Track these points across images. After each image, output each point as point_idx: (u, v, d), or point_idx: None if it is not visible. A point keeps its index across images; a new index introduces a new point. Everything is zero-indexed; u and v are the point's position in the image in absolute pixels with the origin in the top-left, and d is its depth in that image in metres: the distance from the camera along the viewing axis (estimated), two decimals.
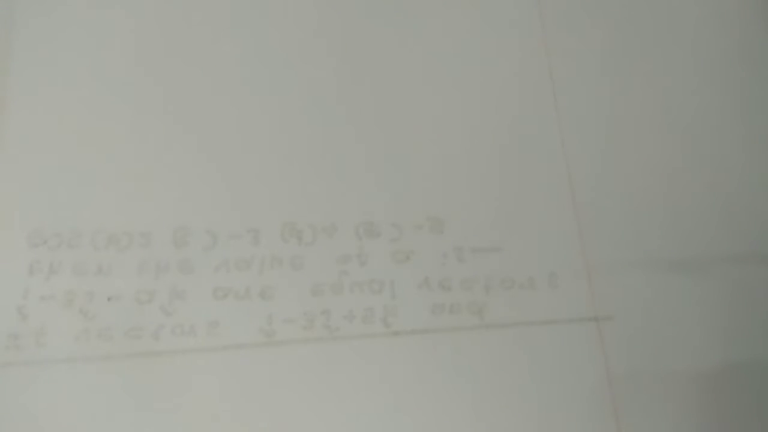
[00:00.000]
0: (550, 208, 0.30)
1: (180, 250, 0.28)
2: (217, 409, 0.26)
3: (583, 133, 0.31)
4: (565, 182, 0.30)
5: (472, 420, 0.27)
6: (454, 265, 0.29)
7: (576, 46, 0.33)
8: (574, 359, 0.28)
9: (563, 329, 0.28)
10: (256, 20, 0.32)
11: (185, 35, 0.31)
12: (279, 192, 0.29)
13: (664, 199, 0.31)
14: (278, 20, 0.32)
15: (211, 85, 0.31)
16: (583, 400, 0.28)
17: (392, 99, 0.31)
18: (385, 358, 0.27)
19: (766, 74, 0.33)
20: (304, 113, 0.31)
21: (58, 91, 0.30)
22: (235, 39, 0.31)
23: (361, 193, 0.30)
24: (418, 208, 0.30)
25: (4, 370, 0.26)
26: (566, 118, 0.31)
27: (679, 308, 0.29)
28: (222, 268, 0.28)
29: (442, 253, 0.29)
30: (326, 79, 0.31)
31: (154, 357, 0.27)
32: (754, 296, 0.30)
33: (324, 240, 0.29)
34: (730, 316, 0.29)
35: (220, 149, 0.30)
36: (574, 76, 0.32)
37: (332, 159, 0.30)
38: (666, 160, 0.31)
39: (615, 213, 0.30)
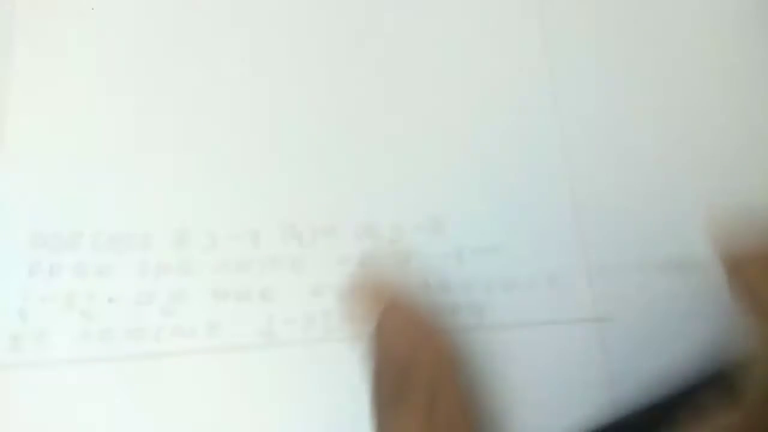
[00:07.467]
0: (550, 208, 0.30)
1: (180, 252, 0.28)
2: (217, 410, 0.26)
3: (583, 132, 0.31)
4: (565, 182, 0.30)
5: None
6: (454, 266, 0.29)
7: (576, 46, 0.33)
8: (574, 360, 0.28)
9: (563, 330, 0.28)
10: (257, 19, 0.32)
11: (185, 35, 0.31)
12: (279, 192, 0.29)
13: (664, 199, 0.31)
14: (279, 19, 0.32)
15: (212, 86, 0.31)
16: (583, 401, 0.28)
17: (392, 99, 0.31)
18: None
19: (767, 74, 0.33)
20: (304, 113, 0.31)
21: (58, 92, 0.30)
22: (236, 38, 0.31)
23: (361, 194, 0.30)
24: (418, 208, 0.30)
25: (5, 371, 0.26)
26: (566, 118, 0.31)
27: (679, 309, 0.29)
28: (222, 270, 0.28)
29: (442, 254, 0.29)
30: (326, 78, 0.31)
31: (154, 358, 0.27)
32: None
33: (324, 241, 0.29)
34: (730, 316, 0.29)
35: (220, 150, 0.30)
36: (574, 76, 0.32)
37: (332, 159, 0.30)
38: (666, 160, 0.31)
39: (615, 213, 0.30)
